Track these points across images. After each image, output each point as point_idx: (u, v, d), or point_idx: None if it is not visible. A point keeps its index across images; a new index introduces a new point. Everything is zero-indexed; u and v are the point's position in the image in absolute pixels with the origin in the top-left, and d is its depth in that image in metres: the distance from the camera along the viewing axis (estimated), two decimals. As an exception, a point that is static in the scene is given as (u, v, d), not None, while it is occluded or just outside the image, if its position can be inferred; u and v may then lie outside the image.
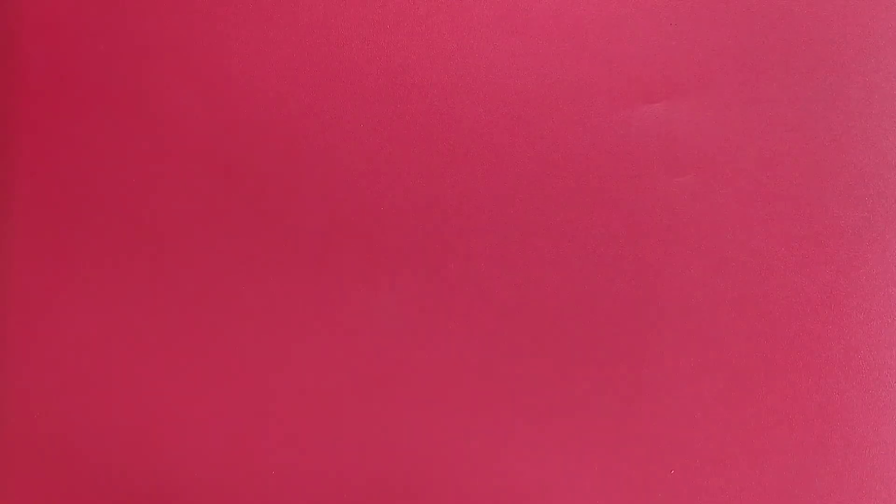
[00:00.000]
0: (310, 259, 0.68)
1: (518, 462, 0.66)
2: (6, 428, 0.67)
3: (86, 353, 0.67)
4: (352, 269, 0.67)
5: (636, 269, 0.67)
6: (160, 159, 0.69)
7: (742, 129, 0.69)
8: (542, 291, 0.67)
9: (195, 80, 0.70)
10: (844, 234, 0.67)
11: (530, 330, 0.67)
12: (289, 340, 0.67)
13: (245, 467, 0.66)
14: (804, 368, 0.66)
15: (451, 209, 0.68)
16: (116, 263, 0.68)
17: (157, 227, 0.68)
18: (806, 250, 0.67)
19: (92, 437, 0.66)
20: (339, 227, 0.68)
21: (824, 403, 0.66)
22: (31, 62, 0.71)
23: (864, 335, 0.67)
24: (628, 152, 0.68)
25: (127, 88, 0.70)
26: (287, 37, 0.70)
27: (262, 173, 0.69)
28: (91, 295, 0.68)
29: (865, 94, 0.69)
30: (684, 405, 0.66)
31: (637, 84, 0.69)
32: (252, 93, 0.70)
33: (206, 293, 0.68)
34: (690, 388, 0.66)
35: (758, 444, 0.65)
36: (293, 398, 0.66)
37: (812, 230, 0.67)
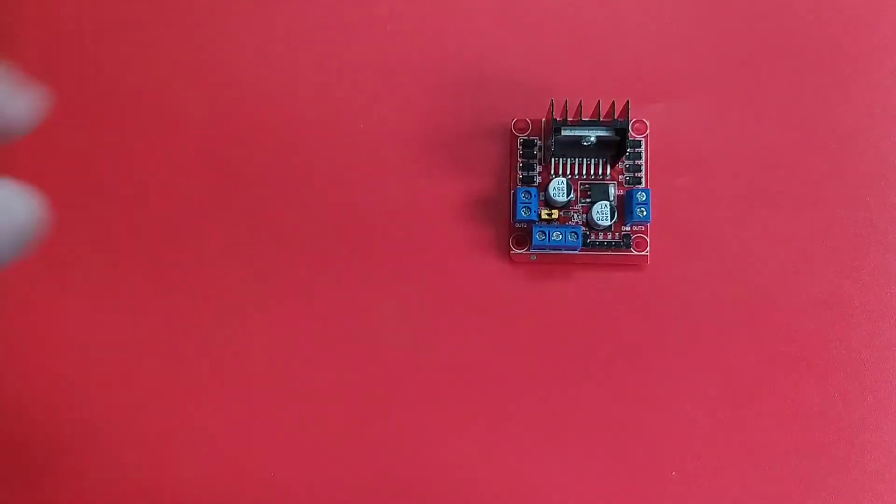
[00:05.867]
0: (309, 259, 0.68)
1: (518, 463, 0.66)
2: (6, 428, 0.67)
3: (85, 353, 0.67)
4: (352, 268, 0.68)
5: (636, 269, 0.67)
6: (159, 159, 0.69)
7: (742, 129, 0.69)
8: (542, 290, 0.67)
9: (195, 81, 0.70)
10: (845, 233, 0.68)
11: (532, 331, 0.67)
12: (288, 340, 0.67)
13: (244, 467, 0.66)
14: (805, 369, 0.66)
15: (451, 209, 0.68)
16: (116, 264, 0.68)
17: (156, 227, 0.68)
18: (807, 250, 0.67)
19: (92, 436, 0.67)
20: (338, 227, 0.68)
21: (825, 404, 0.66)
22: (31, 62, 0.70)
23: (865, 335, 0.67)
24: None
25: (127, 89, 0.70)
26: (287, 37, 0.70)
27: (262, 173, 0.69)
28: (90, 295, 0.68)
29: (866, 93, 0.69)
30: (684, 406, 0.66)
31: (637, 84, 0.69)
32: (252, 93, 0.70)
33: (205, 293, 0.68)
34: (690, 389, 0.66)
35: (758, 444, 0.66)
36: (292, 398, 0.67)
37: (813, 230, 0.68)
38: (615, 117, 0.63)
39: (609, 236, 0.66)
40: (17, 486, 0.67)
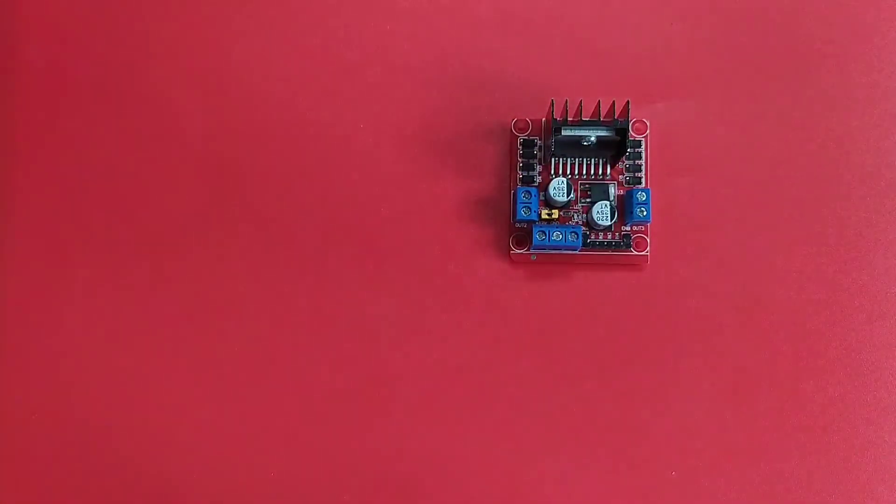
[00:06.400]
0: (309, 258, 0.68)
1: (519, 463, 0.66)
2: (6, 428, 0.67)
3: (86, 354, 0.67)
4: (352, 268, 0.68)
5: (636, 269, 0.67)
6: (160, 159, 0.69)
7: (742, 129, 0.69)
8: (542, 290, 0.67)
9: (195, 80, 0.70)
10: (845, 233, 0.68)
11: (532, 331, 0.67)
12: (288, 340, 0.67)
13: (244, 467, 0.66)
14: (805, 369, 0.66)
15: (451, 209, 0.68)
16: (116, 264, 0.68)
17: (156, 228, 0.68)
18: (807, 250, 0.67)
19: (92, 437, 0.67)
20: (338, 226, 0.68)
21: (825, 404, 0.66)
22: (31, 62, 0.70)
23: (865, 335, 0.67)
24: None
25: (127, 88, 0.70)
26: (287, 37, 0.70)
27: (261, 173, 0.69)
28: (91, 295, 0.68)
29: (866, 93, 0.69)
30: (684, 406, 0.66)
31: (637, 84, 0.69)
32: (252, 93, 0.70)
33: (205, 293, 0.68)
34: (690, 389, 0.66)
35: (758, 444, 0.66)
36: (292, 398, 0.67)
37: (813, 230, 0.68)
38: (615, 117, 0.63)
39: (609, 236, 0.66)
40: (19, 486, 0.67)
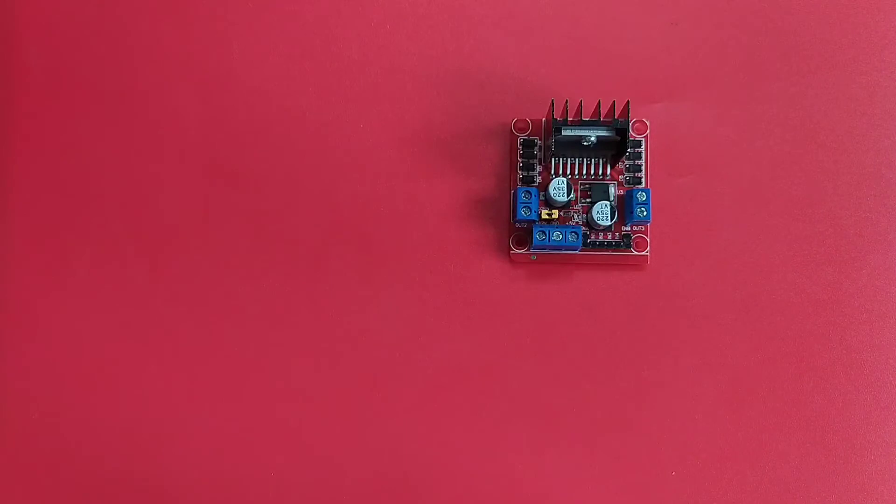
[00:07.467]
0: (309, 259, 0.68)
1: (519, 463, 0.66)
2: (6, 428, 0.67)
3: (85, 353, 0.67)
4: (352, 268, 0.68)
5: (636, 269, 0.67)
6: (159, 158, 0.69)
7: (742, 129, 0.69)
8: (542, 290, 0.67)
9: (195, 80, 0.70)
10: (845, 233, 0.68)
11: (532, 331, 0.67)
12: (288, 340, 0.67)
13: (244, 467, 0.66)
14: (805, 369, 0.66)
15: (451, 209, 0.68)
16: (115, 264, 0.68)
17: (156, 228, 0.68)
18: (807, 250, 0.67)
19: (92, 437, 0.67)
20: (338, 227, 0.68)
21: (825, 404, 0.66)
22: (31, 62, 0.70)
23: (864, 335, 0.67)
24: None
25: (127, 88, 0.70)
26: (287, 37, 0.70)
27: (262, 173, 0.69)
28: (90, 295, 0.68)
29: (866, 94, 0.69)
30: (684, 406, 0.66)
31: (637, 84, 0.69)
32: (252, 92, 0.70)
33: (205, 293, 0.68)
34: (690, 389, 0.66)
35: (758, 444, 0.66)
36: (292, 398, 0.67)
37: (813, 230, 0.68)
38: (615, 117, 0.63)
39: (609, 236, 0.66)
40: (19, 485, 0.67)
